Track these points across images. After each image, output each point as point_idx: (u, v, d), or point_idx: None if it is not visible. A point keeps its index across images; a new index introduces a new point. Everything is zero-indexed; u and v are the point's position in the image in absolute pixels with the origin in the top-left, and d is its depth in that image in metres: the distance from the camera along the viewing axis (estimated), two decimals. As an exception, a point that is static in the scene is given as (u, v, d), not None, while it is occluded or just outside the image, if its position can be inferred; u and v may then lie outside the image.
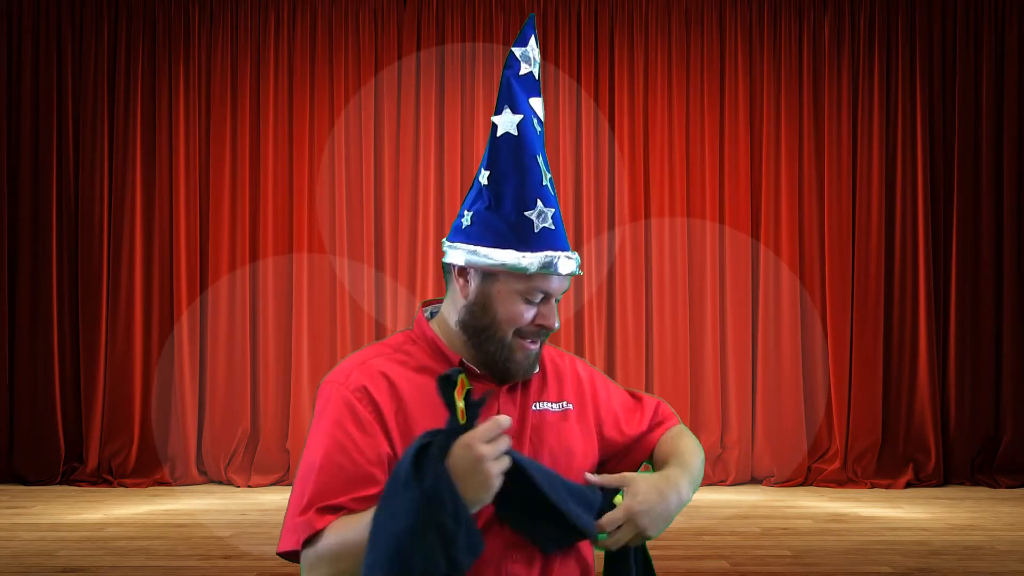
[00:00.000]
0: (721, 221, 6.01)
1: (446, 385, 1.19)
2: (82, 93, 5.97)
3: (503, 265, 1.35)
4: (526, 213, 1.36)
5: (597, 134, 6.05)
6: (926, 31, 6.04)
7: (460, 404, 1.17)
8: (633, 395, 1.58)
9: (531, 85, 1.42)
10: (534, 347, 1.40)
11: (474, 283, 1.38)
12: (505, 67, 1.42)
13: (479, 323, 1.38)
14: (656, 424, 1.56)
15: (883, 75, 6.03)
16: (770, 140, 6.03)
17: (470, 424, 1.18)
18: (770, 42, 6.06)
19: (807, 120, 6.02)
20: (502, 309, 1.37)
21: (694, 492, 1.45)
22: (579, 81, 6.04)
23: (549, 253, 1.36)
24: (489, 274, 1.37)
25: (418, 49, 6.03)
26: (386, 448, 1.31)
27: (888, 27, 6.06)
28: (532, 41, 1.43)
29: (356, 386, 1.34)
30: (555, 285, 1.38)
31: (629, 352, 5.95)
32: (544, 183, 1.38)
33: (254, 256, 5.97)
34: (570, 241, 1.61)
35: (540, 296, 1.37)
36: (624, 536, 1.30)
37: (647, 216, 6.01)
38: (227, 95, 5.99)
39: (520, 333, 1.38)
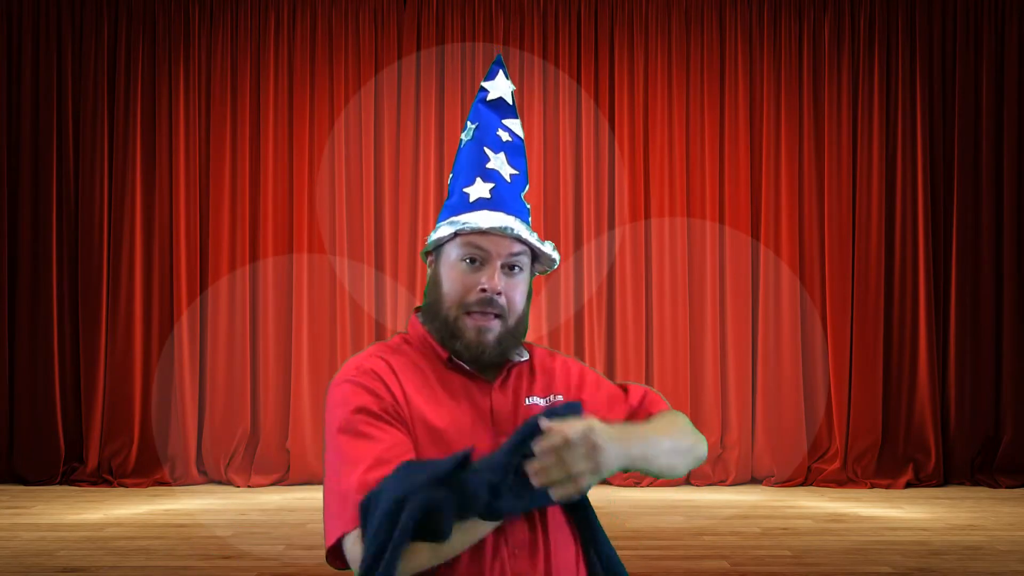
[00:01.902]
0: (721, 221, 6.01)
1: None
2: (82, 93, 5.97)
3: (439, 238, 1.44)
4: (465, 190, 1.46)
5: (597, 134, 6.05)
6: (926, 31, 6.04)
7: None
8: (623, 387, 1.56)
9: (502, 107, 1.52)
10: (486, 323, 1.40)
11: (432, 267, 1.48)
12: (475, 98, 1.54)
13: (432, 301, 1.45)
14: (641, 410, 1.52)
15: (883, 75, 6.03)
16: (770, 140, 6.03)
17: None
18: (770, 42, 6.06)
19: (807, 120, 6.02)
20: (446, 280, 1.43)
21: (665, 465, 1.35)
22: (579, 81, 6.04)
23: (476, 214, 1.42)
24: (439, 253, 1.46)
25: (418, 49, 6.03)
26: (398, 433, 1.33)
27: (888, 27, 6.06)
28: (500, 76, 1.53)
29: (365, 369, 1.38)
30: (490, 245, 1.41)
31: (629, 352, 5.95)
32: (491, 167, 1.46)
33: (254, 256, 5.97)
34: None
35: (476, 255, 1.41)
36: (552, 464, 1.17)
37: (647, 216, 6.01)
38: (227, 95, 5.99)
39: (467, 307, 1.40)
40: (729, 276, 5.99)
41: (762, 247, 5.99)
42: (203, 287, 5.94)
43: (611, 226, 6.02)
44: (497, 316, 1.40)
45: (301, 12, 6.03)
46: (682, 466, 1.41)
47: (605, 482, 5.60)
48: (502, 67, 1.55)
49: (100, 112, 5.95)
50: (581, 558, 1.39)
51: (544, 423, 1.20)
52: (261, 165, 5.98)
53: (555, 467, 1.16)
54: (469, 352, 1.40)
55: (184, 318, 5.88)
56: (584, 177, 6.01)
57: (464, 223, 1.41)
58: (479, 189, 1.45)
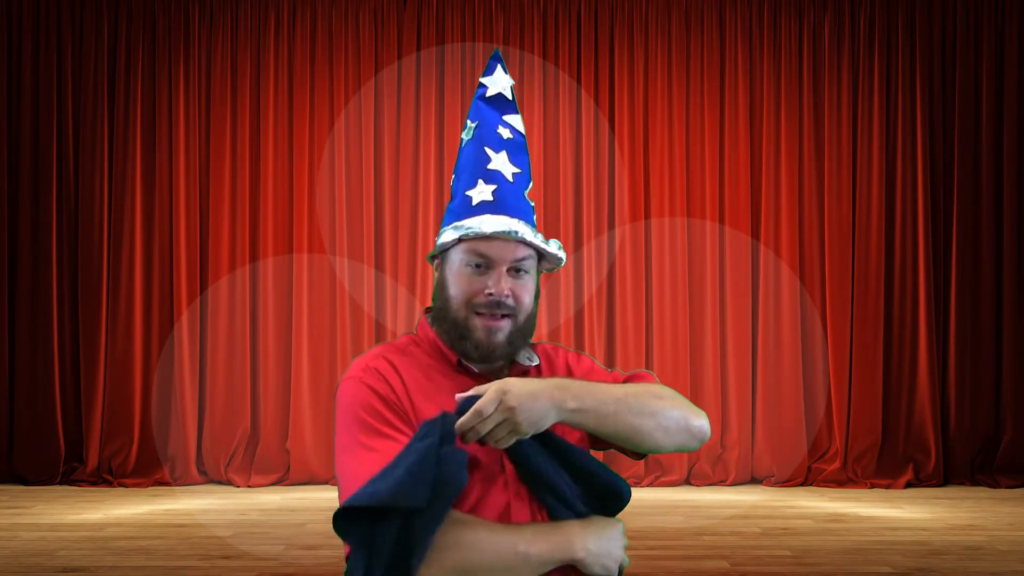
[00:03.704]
0: (721, 221, 6.01)
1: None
2: (82, 93, 5.97)
3: (443, 243, 1.44)
4: (467, 192, 1.45)
5: (597, 134, 6.05)
6: (926, 31, 6.04)
7: None
8: (608, 370, 1.57)
9: (501, 102, 1.51)
10: (496, 324, 1.40)
11: (438, 272, 1.48)
12: (474, 95, 1.53)
13: (439, 305, 1.45)
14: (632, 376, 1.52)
15: (883, 75, 6.03)
16: (770, 140, 6.03)
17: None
18: (770, 42, 6.06)
19: (807, 120, 6.02)
20: (453, 285, 1.43)
21: (627, 427, 1.33)
22: (579, 81, 6.04)
23: (479, 218, 1.41)
24: (444, 257, 1.46)
25: (418, 49, 6.03)
26: (406, 430, 1.34)
27: (888, 27, 6.06)
28: (499, 71, 1.52)
29: (371, 369, 1.39)
30: (495, 251, 1.40)
31: (629, 352, 5.94)
32: (492, 167, 1.45)
33: (254, 256, 5.97)
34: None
35: (480, 261, 1.41)
36: (472, 437, 1.26)
37: (647, 216, 6.01)
38: (227, 95, 5.99)
39: (474, 308, 1.40)
40: (729, 276, 5.99)
41: (762, 247, 5.99)
42: (203, 287, 5.94)
43: (611, 226, 6.02)
44: (506, 316, 1.41)
45: (301, 12, 6.03)
46: (660, 432, 1.34)
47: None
48: (500, 62, 1.54)
49: (100, 112, 5.95)
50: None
51: (458, 396, 1.28)
52: (261, 165, 5.98)
53: (472, 435, 1.25)
54: (479, 352, 1.40)
55: (184, 318, 5.88)
56: (584, 177, 6.01)
57: (467, 228, 1.41)
58: (481, 191, 1.44)
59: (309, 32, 6.03)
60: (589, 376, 1.50)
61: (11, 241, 5.94)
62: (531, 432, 1.27)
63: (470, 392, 1.28)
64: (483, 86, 1.51)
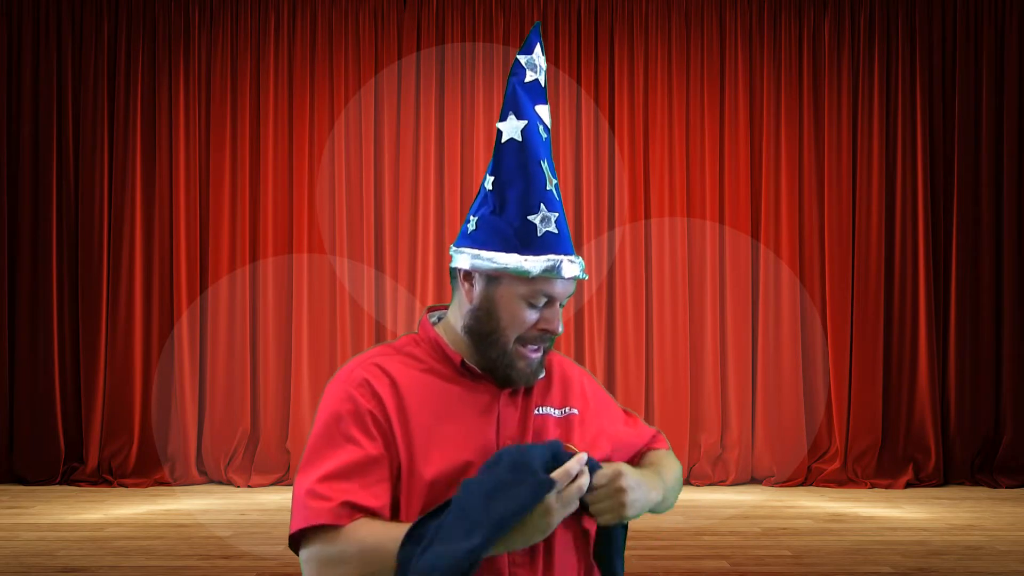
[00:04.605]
0: (721, 221, 6.01)
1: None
2: (82, 93, 5.97)
3: (506, 268, 1.36)
4: (529, 217, 1.37)
5: (597, 134, 6.05)
6: (926, 31, 6.04)
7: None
8: (626, 412, 1.61)
9: (537, 92, 1.42)
10: (536, 355, 1.40)
11: (479, 287, 1.39)
12: (511, 74, 1.43)
13: (483, 328, 1.38)
14: (647, 448, 1.59)
15: (883, 75, 6.03)
16: (770, 140, 6.03)
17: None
18: (770, 42, 6.06)
19: (807, 120, 6.02)
20: (505, 313, 1.37)
21: (660, 507, 1.47)
22: (579, 81, 6.04)
23: (552, 256, 1.37)
24: (493, 278, 1.37)
25: (418, 49, 6.03)
26: (380, 449, 1.32)
27: (888, 27, 6.06)
28: (537, 49, 1.43)
29: (359, 380, 1.36)
30: (559, 289, 1.38)
31: (629, 352, 5.95)
32: (548, 188, 1.39)
33: (254, 256, 5.97)
34: (573, 244, 1.61)
35: (543, 300, 1.38)
36: (606, 499, 1.30)
37: (647, 216, 6.01)
38: (227, 95, 5.99)
39: (522, 340, 1.38)
40: (729, 276, 5.99)
41: (762, 247, 5.99)
42: (203, 287, 5.94)
43: (611, 226, 6.02)
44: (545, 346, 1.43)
45: (301, 12, 6.03)
46: (672, 501, 1.52)
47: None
48: (539, 38, 1.44)
49: (100, 112, 5.95)
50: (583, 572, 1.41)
51: (581, 458, 1.28)
52: (261, 165, 5.98)
53: (576, 493, 1.26)
54: (522, 380, 1.40)
55: (184, 318, 5.88)
56: (584, 177, 6.01)
57: (545, 268, 1.36)
58: (544, 220, 1.38)
59: (309, 32, 6.03)
60: (605, 412, 1.53)
61: (11, 241, 5.94)
62: (631, 518, 1.34)
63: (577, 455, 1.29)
64: (521, 68, 1.42)
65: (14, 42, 5.99)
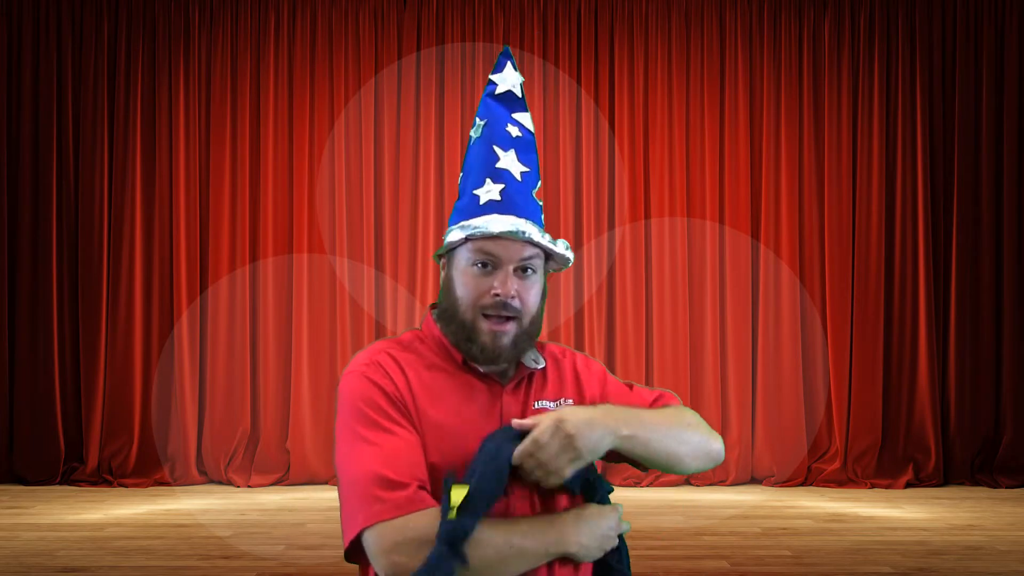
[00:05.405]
0: (721, 221, 6.02)
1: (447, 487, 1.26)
2: (82, 93, 5.97)
3: (450, 242, 1.43)
4: (475, 191, 1.44)
5: (597, 134, 6.05)
6: (926, 31, 6.04)
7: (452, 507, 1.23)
8: (628, 384, 1.58)
9: (511, 100, 1.50)
10: (502, 328, 1.39)
11: (444, 271, 1.47)
12: (484, 92, 1.51)
13: (446, 305, 1.44)
14: (654, 403, 1.56)
15: (883, 75, 6.03)
16: (770, 140, 6.03)
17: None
18: (770, 42, 6.06)
19: (807, 120, 6.02)
20: (459, 284, 1.42)
21: (662, 452, 1.39)
22: (579, 81, 6.04)
23: (486, 218, 1.40)
24: (451, 257, 1.45)
25: (418, 49, 6.03)
26: (411, 426, 1.34)
27: (888, 27, 6.06)
28: (508, 68, 1.51)
29: (376, 366, 1.39)
30: (502, 250, 1.40)
31: (629, 352, 5.95)
32: (499, 165, 1.44)
33: (254, 256, 5.97)
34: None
35: (487, 261, 1.40)
36: (532, 465, 1.27)
37: (647, 216, 6.01)
38: (227, 95, 5.99)
39: (481, 310, 1.39)
40: (729, 276, 5.99)
41: (762, 247, 5.99)
42: (203, 287, 5.94)
43: (611, 226, 6.02)
44: (511, 319, 1.40)
45: (301, 12, 6.03)
46: (689, 458, 1.43)
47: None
48: (510, 59, 1.52)
49: (100, 112, 5.95)
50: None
51: (515, 423, 1.29)
52: (261, 165, 5.98)
53: (537, 468, 1.26)
54: (484, 355, 1.40)
55: (184, 318, 5.88)
56: (584, 177, 6.01)
57: (475, 228, 1.40)
58: (489, 190, 1.43)
59: (309, 32, 6.03)
60: (606, 388, 1.51)
61: (11, 241, 5.94)
62: (590, 459, 1.30)
63: (526, 422, 1.29)
64: (492, 83, 1.50)
65: (14, 42, 5.99)
